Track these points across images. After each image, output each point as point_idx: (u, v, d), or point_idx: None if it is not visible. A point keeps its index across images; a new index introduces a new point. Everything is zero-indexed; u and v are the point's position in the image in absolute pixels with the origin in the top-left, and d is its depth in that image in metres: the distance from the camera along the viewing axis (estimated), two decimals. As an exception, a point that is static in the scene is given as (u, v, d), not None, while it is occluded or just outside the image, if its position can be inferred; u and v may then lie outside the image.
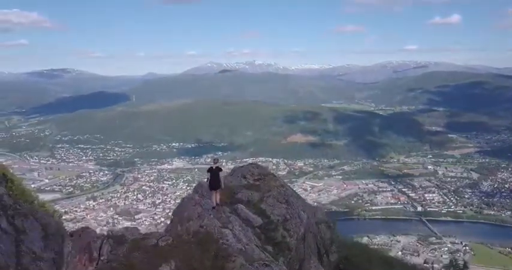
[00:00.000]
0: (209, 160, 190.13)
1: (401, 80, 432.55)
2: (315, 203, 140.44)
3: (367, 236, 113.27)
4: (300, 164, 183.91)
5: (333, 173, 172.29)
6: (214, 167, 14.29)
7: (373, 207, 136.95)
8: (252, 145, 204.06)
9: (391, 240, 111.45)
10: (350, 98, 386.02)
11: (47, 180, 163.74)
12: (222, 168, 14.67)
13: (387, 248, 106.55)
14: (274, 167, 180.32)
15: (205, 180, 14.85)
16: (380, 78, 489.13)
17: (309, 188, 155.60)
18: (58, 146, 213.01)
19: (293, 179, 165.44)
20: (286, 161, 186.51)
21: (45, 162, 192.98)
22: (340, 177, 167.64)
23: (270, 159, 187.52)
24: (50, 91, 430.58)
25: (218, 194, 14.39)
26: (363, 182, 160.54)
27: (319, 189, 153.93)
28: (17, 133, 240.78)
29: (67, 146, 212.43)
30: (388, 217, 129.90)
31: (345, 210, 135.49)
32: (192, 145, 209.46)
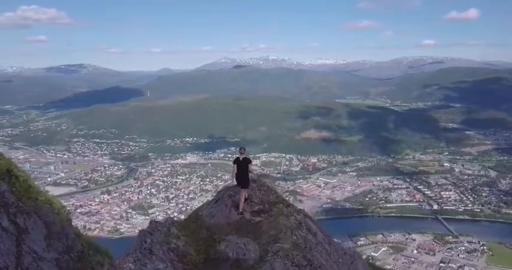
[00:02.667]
0: (222, 155, 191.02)
1: (417, 75, 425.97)
2: (329, 200, 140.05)
3: (382, 234, 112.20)
4: (313, 160, 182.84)
5: (347, 170, 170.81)
6: (241, 159, 12.98)
7: (388, 205, 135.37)
8: (265, 140, 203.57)
9: (406, 239, 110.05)
10: (365, 94, 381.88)
11: (62, 174, 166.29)
12: (252, 160, 13.29)
13: (402, 246, 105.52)
14: (287, 163, 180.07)
15: (231, 176, 13.28)
16: (395, 74, 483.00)
17: (322, 185, 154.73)
18: (74, 140, 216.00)
19: (306, 175, 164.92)
20: (299, 157, 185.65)
21: (61, 156, 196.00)
22: (355, 173, 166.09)
23: (283, 155, 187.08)
24: (67, 86, 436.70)
25: (243, 194, 12.54)
26: (378, 178, 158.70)
27: (333, 186, 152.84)
28: (35, 127, 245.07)
29: (83, 140, 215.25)
30: (403, 215, 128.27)
31: (359, 207, 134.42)
32: (206, 140, 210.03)
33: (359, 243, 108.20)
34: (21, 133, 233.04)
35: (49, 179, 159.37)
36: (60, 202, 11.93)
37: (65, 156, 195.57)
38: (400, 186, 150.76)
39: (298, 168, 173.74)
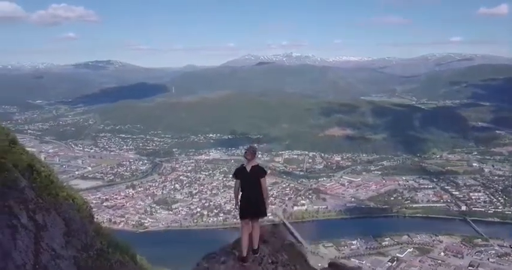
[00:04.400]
0: (245, 151, 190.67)
1: (445, 73, 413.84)
2: (353, 199, 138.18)
3: (407, 235, 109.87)
4: (337, 158, 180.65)
5: (372, 168, 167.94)
6: (249, 169, 7.93)
7: (414, 205, 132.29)
8: (288, 137, 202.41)
9: (433, 240, 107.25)
10: (390, 92, 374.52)
11: (89, 168, 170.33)
12: (265, 169, 8.61)
13: (428, 248, 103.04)
14: (310, 160, 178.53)
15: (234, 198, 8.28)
16: (422, 71, 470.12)
17: (346, 183, 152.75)
18: (101, 135, 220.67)
19: (330, 174, 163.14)
20: (323, 154, 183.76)
21: (88, 150, 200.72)
22: (379, 172, 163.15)
23: (306, 152, 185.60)
24: (94, 82, 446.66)
25: (257, 228, 8.08)
26: (403, 178, 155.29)
27: (357, 185, 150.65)
28: (64, 122, 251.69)
29: (109, 135, 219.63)
30: (430, 216, 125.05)
31: (384, 206, 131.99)
32: (229, 136, 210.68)
33: (383, 243, 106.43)
34: (51, 127, 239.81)
35: (77, 173, 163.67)
36: (82, 198, 11.89)
37: (92, 150, 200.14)
38: (426, 186, 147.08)
39: (321, 166, 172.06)
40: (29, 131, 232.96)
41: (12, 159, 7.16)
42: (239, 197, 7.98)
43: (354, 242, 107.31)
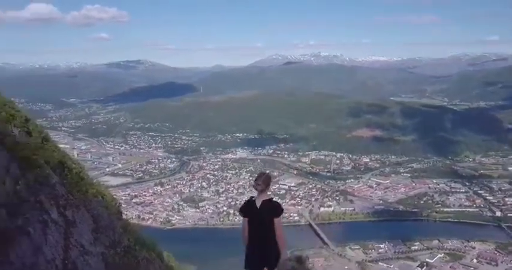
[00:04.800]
0: (271, 151, 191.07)
1: (479, 73, 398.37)
2: (381, 201, 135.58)
3: (438, 240, 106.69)
4: (365, 159, 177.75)
5: (401, 170, 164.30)
6: (259, 204, 6.28)
7: (445, 209, 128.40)
8: (315, 138, 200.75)
9: (465, 246, 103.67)
10: (421, 92, 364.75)
11: (120, 165, 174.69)
12: (280, 206, 6.79)
13: (460, 254, 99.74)
14: (338, 161, 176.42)
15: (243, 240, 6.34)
16: (454, 72, 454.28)
17: (374, 185, 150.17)
18: (131, 132, 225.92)
19: (358, 175, 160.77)
20: (350, 155, 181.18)
21: (119, 147, 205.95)
22: (409, 175, 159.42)
23: (334, 153, 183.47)
24: (125, 81, 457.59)
25: None
26: (434, 181, 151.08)
27: (386, 187, 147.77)
28: (96, 120, 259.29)
29: (139, 133, 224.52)
30: (462, 220, 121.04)
31: (413, 210, 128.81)
32: (255, 136, 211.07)
33: (413, 248, 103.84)
34: (83, 125, 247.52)
35: (107, 170, 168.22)
36: (112, 195, 12.09)
37: (122, 148, 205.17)
38: (458, 190, 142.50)
39: (349, 168, 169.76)
40: (63, 128, 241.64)
41: (44, 155, 7.32)
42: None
43: (381, 246, 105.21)
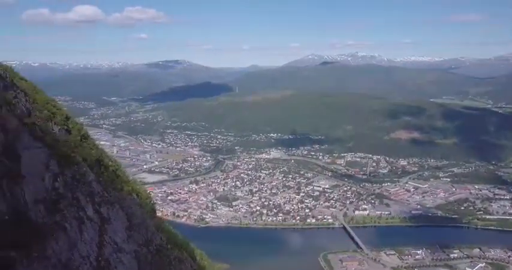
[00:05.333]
0: (305, 152, 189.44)
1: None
2: (418, 206, 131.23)
3: (479, 248, 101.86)
4: (403, 162, 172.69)
5: (441, 175, 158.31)
6: None
7: (487, 216, 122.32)
8: (351, 139, 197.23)
9: (509, 256, 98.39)
10: (463, 94, 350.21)
11: (157, 163, 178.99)
12: None
13: (503, 265, 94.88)
14: (374, 164, 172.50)
15: None
16: (500, 73, 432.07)
17: (412, 189, 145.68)
18: (168, 131, 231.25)
19: (395, 178, 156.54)
20: (387, 158, 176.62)
21: (156, 145, 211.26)
22: (449, 179, 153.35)
23: (370, 155, 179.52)
24: (163, 81, 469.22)
25: None
26: (476, 187, 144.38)
27: (424, 191, 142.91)
28: (135, 118, 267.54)
29: (175, 131, 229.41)
30: (506, 229, 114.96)
31: (453, 216, 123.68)
32: (289, 136, 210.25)
33: (452, 255, 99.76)
34: (123, 123, 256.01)
35: (145, 167, 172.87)
36: (147, 192, 12.29)
37: (160, 146, 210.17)
38: (502, 197, 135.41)
39: (385, 171, 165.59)
40: (104, 125, 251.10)
41: (82, 153, 7.49)
42: None
43: (418, 252, 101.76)
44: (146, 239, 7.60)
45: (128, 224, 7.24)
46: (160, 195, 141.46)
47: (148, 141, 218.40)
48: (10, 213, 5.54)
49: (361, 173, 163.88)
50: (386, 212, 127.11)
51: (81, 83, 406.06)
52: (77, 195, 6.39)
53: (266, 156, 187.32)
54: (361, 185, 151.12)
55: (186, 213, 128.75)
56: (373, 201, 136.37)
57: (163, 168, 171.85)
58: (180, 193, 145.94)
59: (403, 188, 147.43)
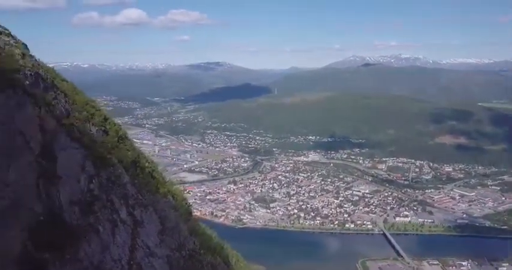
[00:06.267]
0: (345, 156, 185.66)
1: None
2: (464, 215, 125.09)
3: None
4: (448, 168, 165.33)
5: (489, 183, 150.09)
6: None
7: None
8: (392, 144, 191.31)
9: None
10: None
11: (196, 162, 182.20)
12: None
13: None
14: (417, 170, 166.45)
15: None
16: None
17: (457, 197, 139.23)
18: (208, 131, 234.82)
19: (439, 185, 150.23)
20: (431, 164, 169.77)
21: (196, 145, 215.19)
22: (498, 188, 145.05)
23: (413, 160, 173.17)
24: (205, 82, 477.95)
25: None
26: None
27: (470, 200, 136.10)
28: (176, 118, 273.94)
29: (215, 132, 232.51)
30: None
31: (502, 227, 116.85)
32: (328, 139, 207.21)
33: (500, 269, 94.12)
34: (165, 123, 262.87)
35: (185, 166, 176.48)
36: (183, 194, 12.24)
37: (200, 145, 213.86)
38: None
39: (429, 177, 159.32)
40: (147, 125, 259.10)
41: (118, 155, 7.49)
42: None
43: (463, 263, 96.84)
44: (179, 244, 7.49)
45: (161, 227, 7.14)
46: (199, 194, 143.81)
47: (188, 141, 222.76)
48: (45, 214, 5.54)
49: (403, 178, 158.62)
50: (429, 220, 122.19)
51: (126, 84, 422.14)
52: (111, 197, 6.35)
53: (304, 158, 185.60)
54: (403, 191, 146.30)
55: (223, 214, 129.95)
56: (415, 208, 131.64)
57: (202, 168, 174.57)
58: (218, 193, 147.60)
59: (448, 196, 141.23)
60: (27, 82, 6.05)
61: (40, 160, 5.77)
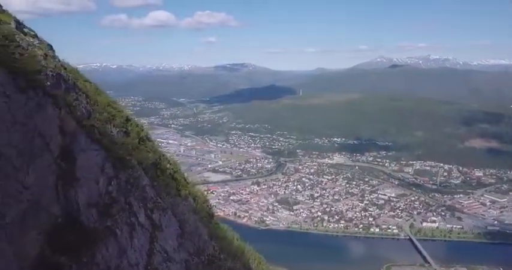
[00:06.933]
0: (371, 159, 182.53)
1: None
2: (495, 221, 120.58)
3: None
4: (478, 173, 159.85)
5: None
6: None
7: None
8: (420, 147, 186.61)
9: None
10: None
11: (220, 162, 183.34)
12: None
13: None
14: (445, 174, 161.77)
15: None
16: None
17: (488, 203, 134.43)
18: (232, 132, 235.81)
19: (468, 190, 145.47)
20: (461, 168, 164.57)
21: (221, 145, 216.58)
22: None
23: (441, 164, 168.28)
24: (230, 83, 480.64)
25: None
26: None
27: (502, 206, 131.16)
28: (202, 119, 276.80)
29: (239, 133, 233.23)
30: None
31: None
32: (354, 141, 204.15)
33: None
34: (190, 123, 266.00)
35: (209, 166, 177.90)
36: (205, 196, 12.11)
37: (224, 146, 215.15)
38: None
39: (458, 181, 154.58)
40: (173, 125, 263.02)
41: (138, 156, 7.40)
42: None
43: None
44: (198, 248, 7.33)
45: (180, 231, 7.00)
46: (222, 194, 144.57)
47: (213, 141, 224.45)
48: (63, 216, 5.48)
49: (431, 182, 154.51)
50: (458, 226, 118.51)
51: (153, 84, 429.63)
52: (129, 200, 6.25)
53: (329, 161, 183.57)
54: (431, 196, 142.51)
55: (247, 214, 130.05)
56: (443, 213, 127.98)
57: (226, 168, 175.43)
58: (241, 194, 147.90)
59: (478, 201, 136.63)
60: (48, 83, 6.02)
61: (59, 162, 5.72)
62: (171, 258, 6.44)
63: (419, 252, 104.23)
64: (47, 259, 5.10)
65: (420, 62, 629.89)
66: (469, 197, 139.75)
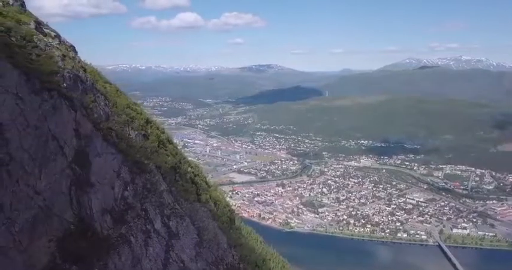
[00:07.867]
0: (399, 162, 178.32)
1: None
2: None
3: None
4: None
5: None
6: None
7: None
8: (450, 150, 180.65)
9: None
10: None
11: (245, 163, 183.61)
12: None
13: None
14: (477, 179, 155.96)
15: None
16: None
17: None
18: (257, 133, 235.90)
19: (502, 196, 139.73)
20: (494, 173, 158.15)
21: (246, 146, 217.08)
22: None
23: (473, 169, 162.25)
24: (256, 84, 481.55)
25: None
26: None
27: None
28: (227, 119, 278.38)
29: (265, 134, 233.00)
30: None
31: None
32: (381, 144, 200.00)
33: None
34: (216, 124, 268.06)
35: (234, 167, 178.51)
36: (226, 200, 11.81)
37: (249, 147, 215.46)
38: None
39: (491, 187, 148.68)
40: (199, 125, 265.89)
41: (157, 160, 7.17)
42: None
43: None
44: (217, 257, 7.04)
45: (198, 240, 6.72)
46: (247, 195, 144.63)
47: (238, 142, 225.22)
48: (76, 223, 5.27)
49: (462, 187, 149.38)
50: (491, 233, 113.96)
51: (180, 85, 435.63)
52: (145, 206, 6.00)
53: (355, 163, 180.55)
54: (461, 201, 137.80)
55: (271, 216, 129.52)
56: (474, 220, 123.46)
57: (251, 169, 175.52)
58: (266, 195, 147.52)
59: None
60: (65, 84, 5.82)
61: (73, 166, 5.53)
62: (188, 268, 6.14)
63: (449, 260, 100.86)
64: (57, 267, 4.91)
65: (451, 63, 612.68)
66: (502, 204, 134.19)
